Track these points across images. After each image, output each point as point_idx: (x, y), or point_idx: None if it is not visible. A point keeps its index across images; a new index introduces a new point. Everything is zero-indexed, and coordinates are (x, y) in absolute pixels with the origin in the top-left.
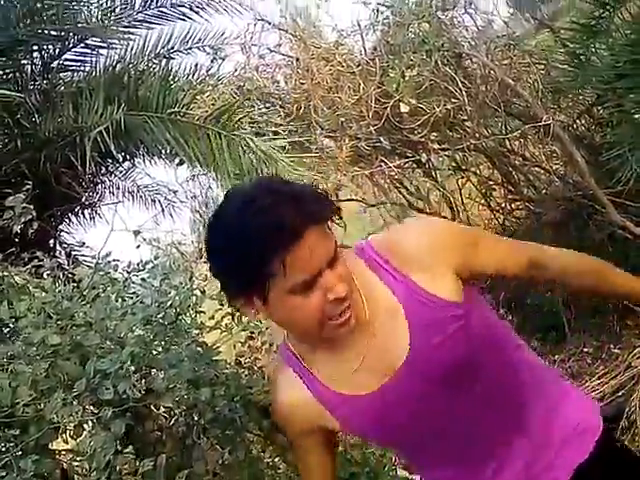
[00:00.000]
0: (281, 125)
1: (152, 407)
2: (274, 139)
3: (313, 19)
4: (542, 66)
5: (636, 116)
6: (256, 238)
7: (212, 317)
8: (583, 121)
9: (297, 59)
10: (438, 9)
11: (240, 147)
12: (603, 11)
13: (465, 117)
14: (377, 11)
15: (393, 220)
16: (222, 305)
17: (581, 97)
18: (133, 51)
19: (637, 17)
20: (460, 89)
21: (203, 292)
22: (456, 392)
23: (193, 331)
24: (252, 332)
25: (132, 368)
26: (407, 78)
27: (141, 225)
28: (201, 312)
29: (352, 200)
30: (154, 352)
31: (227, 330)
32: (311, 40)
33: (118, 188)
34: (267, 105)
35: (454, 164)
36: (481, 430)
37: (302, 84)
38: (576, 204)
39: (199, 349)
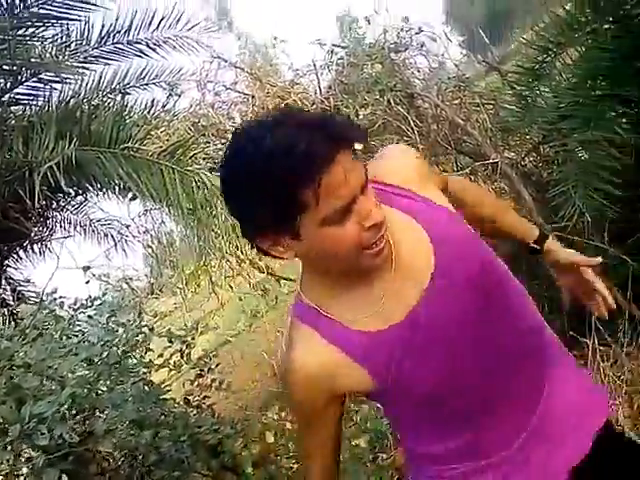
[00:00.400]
0: None
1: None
2: None
3: (270, 57)
4: (491, 106)
5: (580, 155)
6: (283, 168)
7: (161, 355)
8: (531, 158)
9: (253, 96)
10: (391, 51)
11: (194, 182)
12: (546, 56)
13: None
14: (332, 52)
15: None
16: (171, 342)
17: (528, 136)
18: (88, 86)
19: (577, 62)
20: (412, 128)
21: (152, 329)
22: (487, 313)
23: (141, 369)
24: (201, 370)
25: (72, 411)
26: (361, 116)
27: (92, 260)
28: (149, 350)
29: None
30: (97, 392)
31: (176, 368)
32: (267, 78)
33: (70, 222)
34: (222, 141)
35: None
36: (519, 370)
37: None
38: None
39: (146, 388)
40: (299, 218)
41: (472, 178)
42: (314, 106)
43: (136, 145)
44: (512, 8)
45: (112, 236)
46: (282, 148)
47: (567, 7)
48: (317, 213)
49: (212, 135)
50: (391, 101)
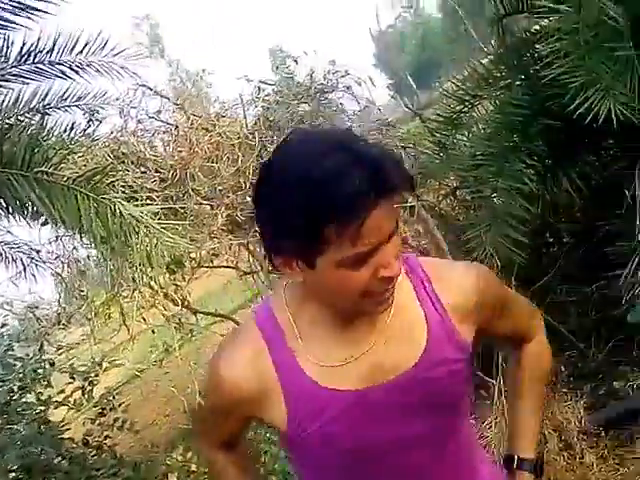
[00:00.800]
0: (155, 191)
1: None
2: (147, 204)
3: (201, 87)
4: (412, 150)
5: (493, 202)
6: (321, 203)
7: (62, 391)
8: (448, 202)
9: (176, 126)
10: (318, 91)
11: (109, 210)
12: (463, 107)
13: None
14: (259, 88)
15: (266, 289)
16: (73, 379)
17: (446, 181)
18: (4, 104)
19: (491, 114)
20: None
21: (52, 364)
22: (434, 434)
23: (37, 408)
24: (103, 408)
25: None
26: None
27: None
28: (49, 386)
29: (227, 267)
30: None
31: (76, 406)
32: (192, 109)
33: None
34: (142, 170)
35: None
36: None
37: (180, 151)
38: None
39: (42, 427)
40: (320, 251)
41: None
42: (239, 140)
43: (51, 169)
44: (438, 59)
45: (21, 260)
46: (331, 179)
47: (484, 62)
48: (338, 253)
49: (132, 163)
50: None
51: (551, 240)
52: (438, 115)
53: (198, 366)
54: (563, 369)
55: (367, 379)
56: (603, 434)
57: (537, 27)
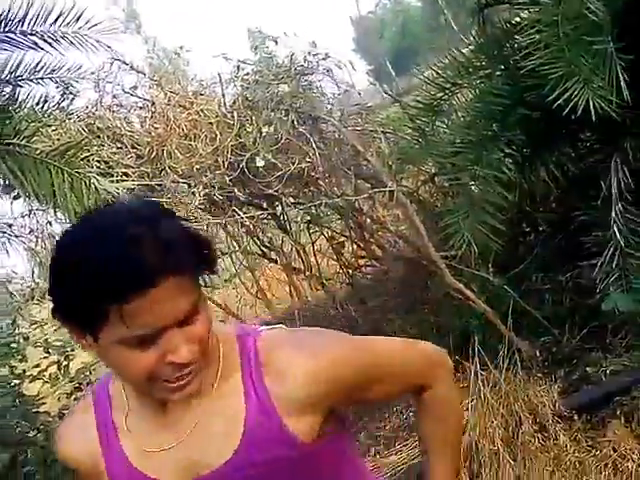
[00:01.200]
0: (131, 167)
1: None
2: (123, 180)
3: (178, 64)
4: (391, 136)
5: (472, 188)
6: (97, 274)
7: (37, 365)
8: (427, 188)
9: (153, 103)
10: (298, 73)
11: (84, 185)
12: (443, 94)
13: (318, 176)
14: (238, 67)
15: (244, 270)
16: (48, 354)
17: (425, 167)
18: None
19: (471, 102)
20: (314, 149)
21: (27, 338)
22: None
23: (12, 381)
24: (80, 383)
25: None
26: (264, 134)
27: None
28: (24, 360)
29: None
30: None
31: (52, 381)
32: (169, 86)
33: None
34: (118, 146)
35: (308, 219)
36: None
37: (156, 128)
38: (417, 264)
39: (17, 401)
40: (99, 327)
41: (370, 203)
42: (217, 118)
43: (23, 142)
44: (417, 47)
45: None
46: (104, 253)
47: (464, 51)
48: (115, 330)
49: (107, 138)
50: (295, 122)
51: (527, 229)
52: (418, 102)
53: None
54: (538, 354)
55: (183, 471)
56: (576, 417)
57: (517, 19)
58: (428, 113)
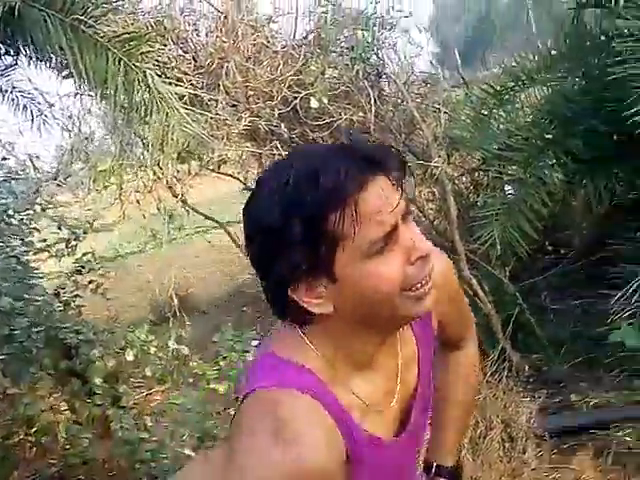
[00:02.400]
0: (187, 74)
1: None
2: (176, 85)
3: None
4: (448, 117)
5: (507, 187)
6: (308, 195)
7: (44, 240)
8: (464, 179)
9: (225, 16)
10: (376, 24)
11: (137, 80)
12: (515, 84)
13: (367, 132)
14: (319, 2)
15: None
16: (59, 229)
17: (472, 157)
18: None
19: (539, 101)
20: (371, 106)
21: (44, 210)
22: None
23: (18, 248)
24: (82, 266)
25: None
26: (326, 75)
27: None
28: (36, 230)
29: (233, 177)
30: None
31: (56, 255)
32: (246, 3)
33: None
34: (180, 48)
35: None
36: None
37: (222, 42)
38: (437, 246)
39: (17, 265)
40: (334, 252)
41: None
42: (285, 49)
43: (90, 21)
44: (489, 41)
45: (31, 111)
46: (305, 174)
47: (549, 45)
48: (354, 244)
49: (170, 40)
50: (359, 72)
51: (551, 246)
52: (489, 85)
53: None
54: (527, 368)
55: (394, 426)
56: (547, 438)
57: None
58: (494, 99)
